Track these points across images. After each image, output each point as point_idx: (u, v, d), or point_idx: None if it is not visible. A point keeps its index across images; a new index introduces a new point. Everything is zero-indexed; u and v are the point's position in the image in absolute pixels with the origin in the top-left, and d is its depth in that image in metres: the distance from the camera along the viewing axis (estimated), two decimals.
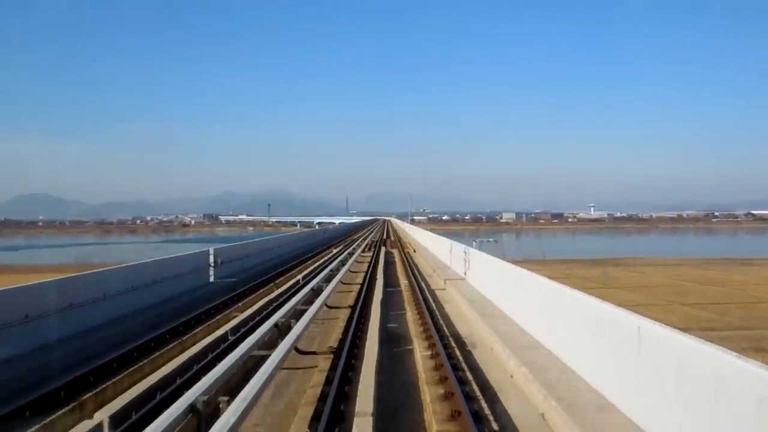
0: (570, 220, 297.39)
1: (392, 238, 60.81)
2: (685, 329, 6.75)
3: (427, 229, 58.33)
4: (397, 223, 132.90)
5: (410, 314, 15.27)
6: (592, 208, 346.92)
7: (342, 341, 11.50)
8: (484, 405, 8.05)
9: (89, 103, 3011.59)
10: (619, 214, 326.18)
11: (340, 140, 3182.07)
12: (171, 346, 10.94)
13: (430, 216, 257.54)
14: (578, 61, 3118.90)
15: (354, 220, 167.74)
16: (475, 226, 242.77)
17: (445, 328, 13.52)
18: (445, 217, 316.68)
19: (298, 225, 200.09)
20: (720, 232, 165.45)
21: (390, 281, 22.87)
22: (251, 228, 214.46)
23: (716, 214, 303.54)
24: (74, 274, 12.84)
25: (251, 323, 12.68)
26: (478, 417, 7.32)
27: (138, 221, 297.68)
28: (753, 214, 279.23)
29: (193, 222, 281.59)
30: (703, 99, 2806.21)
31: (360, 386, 7.98)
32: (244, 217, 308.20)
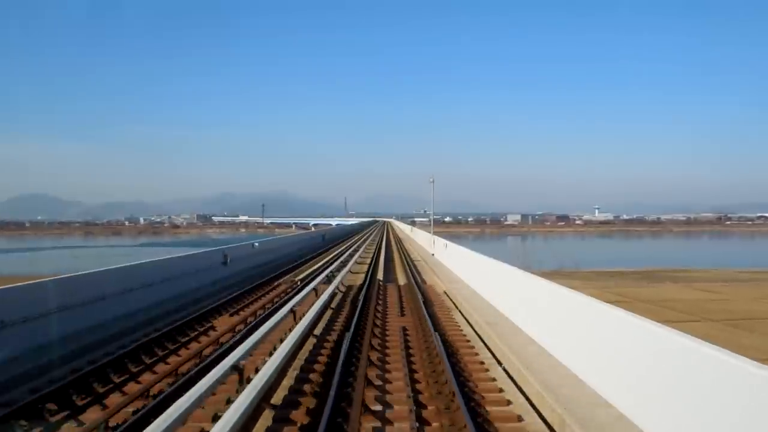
0: (577, 222, 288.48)
1: (401, 281, 24.22)
2: None
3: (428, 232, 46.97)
4: (399, 227, 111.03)
5: None
6: (596, 210, 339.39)
7: None
8: None
9: (90, 104, 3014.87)
10: (625, 216, 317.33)
11: (340, 141, 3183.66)
12: None
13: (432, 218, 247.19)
14: (578, 63, 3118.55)
15: (351, 222, 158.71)
16: (480, 229, 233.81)
17: None
18: (447, 219, 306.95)
19: (294, 226, 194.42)
20: (742, 237, 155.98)
21: None
22: (243, 230, 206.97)
23: (730, 216, 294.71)
24: None
25: None
26: None
27: (127, 222, 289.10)
28: (767, 217, 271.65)
29: (184, 223, 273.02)
30: (707, 100, 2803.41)
31: None
32: (244, 218, 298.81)
